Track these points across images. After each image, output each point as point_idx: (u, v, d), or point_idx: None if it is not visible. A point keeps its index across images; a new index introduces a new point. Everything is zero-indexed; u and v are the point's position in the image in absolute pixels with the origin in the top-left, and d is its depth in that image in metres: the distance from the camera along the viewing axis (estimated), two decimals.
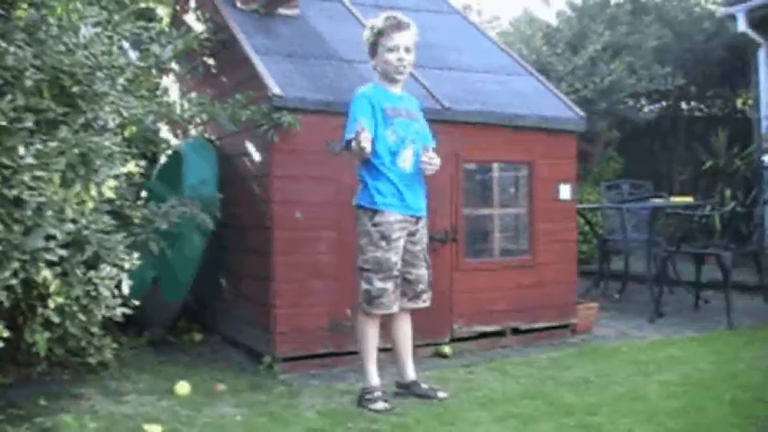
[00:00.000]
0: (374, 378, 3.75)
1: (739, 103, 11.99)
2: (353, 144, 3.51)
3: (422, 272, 3.84)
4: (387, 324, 3.84)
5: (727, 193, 9.17)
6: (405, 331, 3.89)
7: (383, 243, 3.66)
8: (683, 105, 11.97)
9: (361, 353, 3.80)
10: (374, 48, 3.84)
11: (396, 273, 3.69)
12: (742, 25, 8.47)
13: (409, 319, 3.90)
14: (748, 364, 4.37)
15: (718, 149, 10.05)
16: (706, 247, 6.51)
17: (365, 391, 3.71)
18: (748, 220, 6.75)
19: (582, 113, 5.41)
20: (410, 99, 3.98)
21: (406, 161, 3.74)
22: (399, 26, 3.79)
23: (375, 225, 3.68)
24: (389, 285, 3.67)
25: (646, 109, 11.14)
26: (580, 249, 6.34)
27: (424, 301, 3.89)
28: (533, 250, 5.17)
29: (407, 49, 3.81)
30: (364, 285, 3.70)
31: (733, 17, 8.70)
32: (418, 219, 3.82)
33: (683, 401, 3.63)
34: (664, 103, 11.57)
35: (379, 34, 3.80)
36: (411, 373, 3.89)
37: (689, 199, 7.35)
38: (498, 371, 4.35)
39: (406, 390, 3.86)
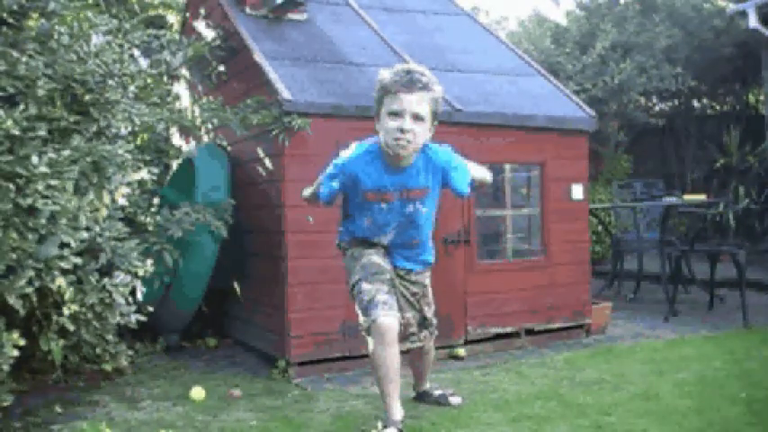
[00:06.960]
0: (394, 413, 3.17)
1: (752, 99, 11.92)
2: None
3: (410, 314, 3.44)
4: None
5: (741, 190, 9.12)
6: (419, 360, 3.67)
7: (357, 255, 3.32)
8: (695, 103, 11.91)
9: (378, 385, 3.22)
10: (378, 107, 3.04)
11: (388, 276, 3.25)
12: (753, 21, 8.42)
13: (420, 354, 3.62)
14: (763, 363, 4.34)
15: (730, 147, 10.00)
16: (720, 245, 6.48)
17: (383, 423, 3.23)
18: (762, 218, 6.71)
19: (593, 113, 5.40)
20: (420, 172, 3.13)
21: (384, 239, 3.33)
22: (410, 85, 2.93)
23: (346, 254, 3.42)
24: (383, 287, 3.19)
25: (657, 108, 11.09)
26: (593, 249, 6.32)
27: (413, 342, 3.51)
28: (546, 251, 5.16)
29: (416, 117, 2.94)
30: (357, 298, 3.22)
31: (743, 13, 8.65)
32: (408, 271, 3.41)
33: (697, 401, 3.61)
34: (675, 102, 11.51)
35: (384, 91, 2.98)
36: (423, 387, 3.81)
37: (702, 197, 7.32)
38: (513, 372, 4.34)
39: (419, 397, 3.81)
